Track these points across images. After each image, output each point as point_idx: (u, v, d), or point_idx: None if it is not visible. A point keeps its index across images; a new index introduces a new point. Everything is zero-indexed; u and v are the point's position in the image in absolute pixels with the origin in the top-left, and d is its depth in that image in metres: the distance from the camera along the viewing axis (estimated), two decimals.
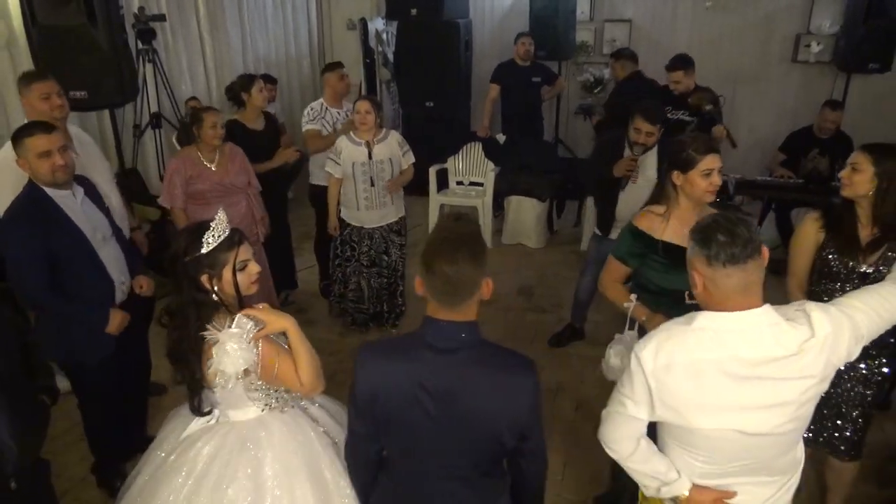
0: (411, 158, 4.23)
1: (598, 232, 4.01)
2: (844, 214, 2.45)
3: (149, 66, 5.09)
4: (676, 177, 2.42)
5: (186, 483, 1.96)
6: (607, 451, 1.81)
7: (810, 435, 2.63)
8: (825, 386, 1.65)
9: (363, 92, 6.68)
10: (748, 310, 1.58)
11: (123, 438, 3.04)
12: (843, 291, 2.25)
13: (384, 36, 6.83)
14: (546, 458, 1.80)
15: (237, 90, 4.22)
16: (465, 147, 6.04)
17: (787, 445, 1.71)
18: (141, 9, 5.01)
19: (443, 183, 6.04)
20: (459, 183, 6.08)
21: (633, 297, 2.45)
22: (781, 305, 1.66)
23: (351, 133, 4.11)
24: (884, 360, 2.49)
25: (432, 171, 5.85)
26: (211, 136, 3.59)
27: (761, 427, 1.62)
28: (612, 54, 5.53)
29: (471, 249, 1.57)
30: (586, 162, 4.36)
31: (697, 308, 2.41)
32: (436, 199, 5.84)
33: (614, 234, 3.86)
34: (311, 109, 4.57)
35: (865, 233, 2.42)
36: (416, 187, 6.30)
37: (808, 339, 1.57)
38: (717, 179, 2.38)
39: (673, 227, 2.44)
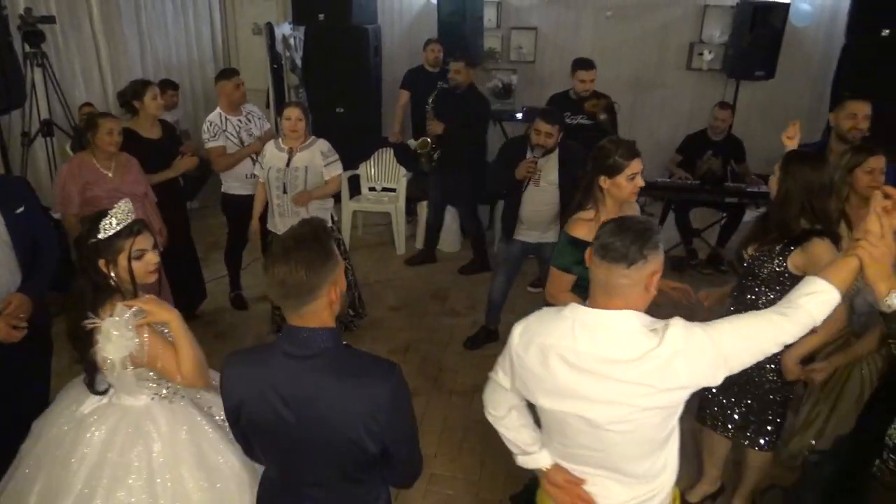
0: (335, 171, 4.08)
1: (503, 234, 4.11)
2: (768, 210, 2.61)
3: (38, 71, 4.79)
4: (603, 181, 2.56)
5: (80, 470, 2.03)
6: (485, 412, 1.94)
7: (730, 429, 2.76)
8: (671, 401, 1.63)
9: (271, 98, 6.56)
10: (609, 310, 1.63)
11: None
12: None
13: (291, 41, 6.73)
14: (417, 467, 1.79)
15: (129, 97, 3.99)
16: (376, 153, 6.01)
17: (642, 449, 1.72)
18: (28, 10, 4.71)
19: (355, 189, 5.98)
20: (372, 189, 6.05)
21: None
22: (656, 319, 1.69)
23: (279, 139, 4.03)
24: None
25: (344, 177, 5.77)
26: (107, 143, 3.44)
27: (599, 418, 1.64)
28: None
29: (308, 252, 1.53)
30: (490, 167, 4.44)
31: None
32: (348, 206, 5.78)
33: (519, 236, 3.99)
34: (211, 125, 4.37)
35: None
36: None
37: (653, 349, 1.57)
38: (640, 181, 2.55)
39: None
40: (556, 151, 3.79)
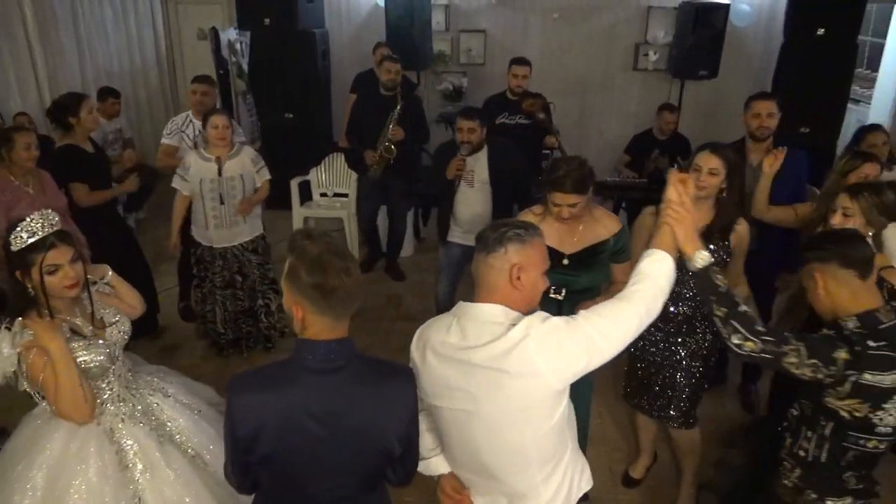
0: (266, 175, 4.06)
1: (439, 237, 4.08)
2: None
3: None
4: (546, 190, 2.58)
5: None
6: None
7: (647, 407, 2.94)
8: (527, 391, 1.62)
9: (219, 104, 6.43)
10: (481, 303, 1.68)
11: None
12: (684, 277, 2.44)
13: (238, 46, 6.62)
14: (417, 460, 1.81)
15: (61, 114, 3.72)
16: (327, 158, 5.94)
17: (514, 460, 1.72)
18: None
19: (306, 195, 5.90)
20: (323, 195, 5.98)
21: None
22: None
23: (200, 149, 3.92)
24: (709, 336, 2.74)
25: (294, 183, 5.72)
26: (24, 158, 3.30)
27: (466, 411, 1.69)
28: None
29: (354, 264, 1.56)
30: (426, 171, 4.41)
31: (559, 302, 2.56)
32: (299, 213, 5.71)
33: (457, 239, 3.95)
34: (173, 122, 4.34)
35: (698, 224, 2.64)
36: (278, 201, 6.12)
37: (502, 334, 1.60)
38: (565, 213, 2.51)
39: (549, 229, 2.57)
40: (486, 150, 3.79)
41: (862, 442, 1.82)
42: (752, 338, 1.79)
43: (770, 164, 3.19)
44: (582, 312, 1.67)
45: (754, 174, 3.29)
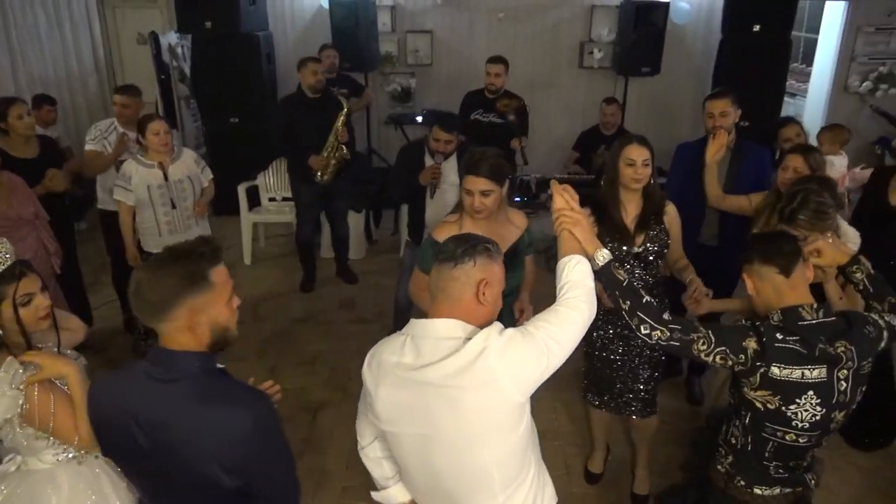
0: (210, 174, 4.06)
1: (410, 240, 4.06)
2: (608, 205, 2.72)
3: None
4: (462, 179, 2.57)
5: None
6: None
7: (612, 405, 2.98)
8: (486, 405, 1.58)
9: (160, 110, 6.27)
10: (435, 318, 1.64)
11: None
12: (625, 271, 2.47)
13: (179, 50, 6.47)
14: (290, 501, 1.65)
15: None
16: (274, 162, 5.84)
17: (478, 481, 1.67)
18: None
19: (254, 200, 5.80)
20: (272, 199, 5.89)
21: None
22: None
23: (138, 155, 3.82)
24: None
25: (241, 188, 5.61)
26: None
27: (424, 436, 1.63)
28: None
29: (169, 268, 1.44)
30: (391, 174, 4.36)
31: None
32: (248, 218, 5.60)
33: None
34: (96, 128, 4.22)
35: (630, 217, 2.71)
36: (226, 206, 6.04)
37: (459, 349, 1.57)
38: (481, 200, 2.48)
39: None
40: (455, 154, 3.81)
41: (780, 434, 1.85)
42: (659, 326, 1.83)
43: (711, 154, 3.26)
44: (529, 323, 1.67)
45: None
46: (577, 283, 1.74)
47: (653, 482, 3.17)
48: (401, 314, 4.27)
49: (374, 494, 1.88)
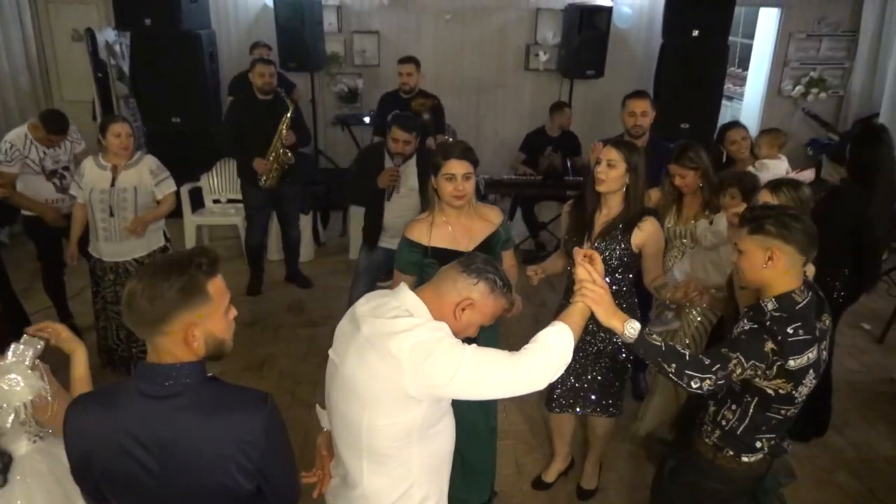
0: (169, 188, 3.83)
1: (364, 244, 4.01)
2: (587, 200, 2.74)
3: None
4: (434, 182, 2.56)
5: None
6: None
7: (578, 410, 2.97)
8: (393, 386, 1.65)
9: (97, 110, 6.07)
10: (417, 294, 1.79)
11: None
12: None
13: (117, 48, 6.27)
14: (294, 497, 1.66)
15: None
16: (218, 163, 5.72)
17: (349, 432, 1.75)
18: None
19: (198, 203, 5.67)
20: (216, 201, 5.76)
21: None
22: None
23: (98, 156, 3.70)
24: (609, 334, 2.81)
25: (184, 190, 5.47)
26: None
27: (337, 358, 1.79)
28: None
29: (165, 282, 1.39)
30: (348, 176, 4.28)
31: None
32: (191, 221, 5.47)
33: (382, 244, 3.91)
34: (11, 147, 3.97)
35: (602, 219, 2.72)
36: None
37: (397, 318, 1.70)
38: (462, 186, 2.49)
39: (440, 232, 2.58)
40: (415, 156, 3.79)
41: (783, 412, 1.96)
42: (706, 376, 1.83)
43: (592, 160, 3.28)
44: (474, 346, 1.68)
45: None
46: (543, 345, 1.71)
47: (600, 476, 3.23)
48: None
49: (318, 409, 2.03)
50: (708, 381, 1.82)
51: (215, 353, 1.50)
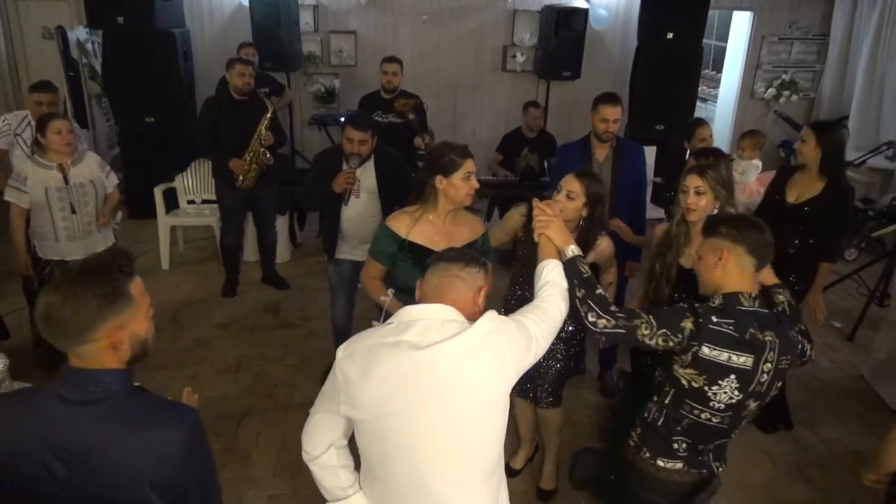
0: (115, 180, 3.87)
1: (327, 256, 3.78)
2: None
3: None
4: (440, 181, 2.53)
5: None
6: (302, 452, 1.84)
7: (522, 391, 3.07)
8: (503, 388, 1.70)
9: (69, 108, 5.97)
10: (428, 303, 1.74)
11: None
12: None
13: (89, 46, 6.18)
14: None
15: None
16: (193, 163, 5.65)
17: (462, 469, 1.68)
18: None
19: (172, 203, 5.59)
20: (191, 202, 5.69)
21: (390, 291, 2.51)
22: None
23: (36, 156, 3.61)
24: (569, 326, 2.83)
25: (158, 191, 5.39)
26: None
27: (420, 417, 1.61)
28: None
29: (85, 288, 1.34)
30: (305, 181, 4.02)
31: None
32: (165, 221, 5.39)
33: (345, 255, 3.68)
34: (4, 122, 4.05)
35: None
36: (142, 209, 5.82)
37: (467, 329, 1.66)
38: (475, 182, 2.56)
39: (423, 229, 2.58)
40: (372, 158, 3.57)
41: (696, 412, 1.97)
42: (605, 315, 1.94)
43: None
44: (516, 315, 1.83)
45: (600, 170, 3.48)
46: (554, 283, 1.97)
47: (563, 476, 3.20)
48: (340, 335, 3.87)
49: None
50: (604, 321, 1.94)
51: (139, 353, 1.46)
